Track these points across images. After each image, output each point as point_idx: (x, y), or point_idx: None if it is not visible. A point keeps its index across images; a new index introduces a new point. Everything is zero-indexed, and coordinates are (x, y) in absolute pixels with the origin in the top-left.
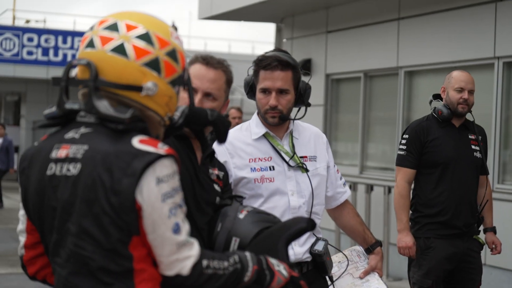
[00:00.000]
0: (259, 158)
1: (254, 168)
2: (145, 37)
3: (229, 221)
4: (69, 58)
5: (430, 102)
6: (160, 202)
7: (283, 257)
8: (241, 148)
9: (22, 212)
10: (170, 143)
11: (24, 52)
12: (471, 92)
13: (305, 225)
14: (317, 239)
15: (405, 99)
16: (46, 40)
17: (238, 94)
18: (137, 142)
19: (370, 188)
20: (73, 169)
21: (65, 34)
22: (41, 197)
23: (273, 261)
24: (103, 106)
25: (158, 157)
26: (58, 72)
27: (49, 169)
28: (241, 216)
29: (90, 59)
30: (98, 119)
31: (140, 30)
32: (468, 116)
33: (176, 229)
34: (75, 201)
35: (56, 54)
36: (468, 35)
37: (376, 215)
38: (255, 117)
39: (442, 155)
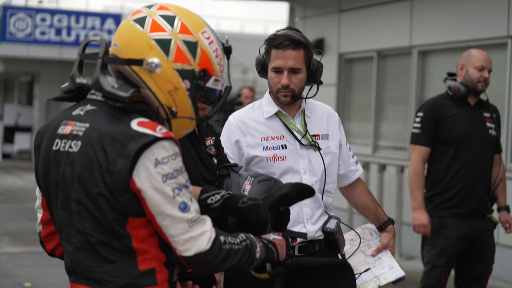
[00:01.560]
0: (271, 137)
1: (266, 146)
2: (169, 19)
3: None
4: (81, 38)
5: (445, 80)
6: (161, 183)
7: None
8: (253, 127)
9: (38, 189)
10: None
11: (37, 32)
12: (489, 71)
13: (288, 190)
14: (330, 217)
15: (418, 79)
16: (59, 20)
17: (250, 73)
18: (135, 124)
19: (383, 167)
20: (75, 146)
21: (78, 14)
22: (47, 172)
23: (265, 235)
24: (107, 82)
25: (155, 139)
26: (71, 52)
27: (55, 144)
28: (246, 192)
29: (119, 27)
30: (104, 97)
31: (168, 12)
32: (481, 95)
33: (184, 208)
34: (74, 179)
35: (69, 34)
36: (481, 13)
37: (389, 194)
38: (267, 95)
39: (457, 133)
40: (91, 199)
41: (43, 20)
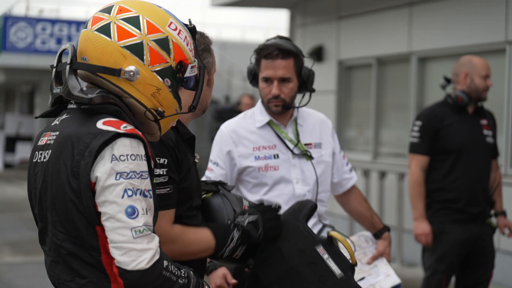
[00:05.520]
0: (263, 147)
1: (258, 156)
2: (133, 20)
3: None
4: None
5: (444, 87)
6: (113, 180)
7: (311, 234)
8: (245, 137)
9: None
10: (174, 140)
11: (37, 41)
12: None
13: (314, 203)
14: (324, 226)
15: (417, 85)
16: (59, 29)
17: None
18: (101, 123)
19: (383, 174)
20: (47, 156)
21: (78, 23)
22: (30, 185)
23: None
24: (74, 86)
25: (116, 135)
26: None
27: (35, 156)
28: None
29: (81, 38)
30: (77, 104)
31: (130, 13)
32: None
33: (132, 213)
34: (47, 188)
35: None
36: (479, 19)
37: (390, 201)
38: (259, 104)
39: (456, 142)
40: (62, 207)
41: (44, 29)
